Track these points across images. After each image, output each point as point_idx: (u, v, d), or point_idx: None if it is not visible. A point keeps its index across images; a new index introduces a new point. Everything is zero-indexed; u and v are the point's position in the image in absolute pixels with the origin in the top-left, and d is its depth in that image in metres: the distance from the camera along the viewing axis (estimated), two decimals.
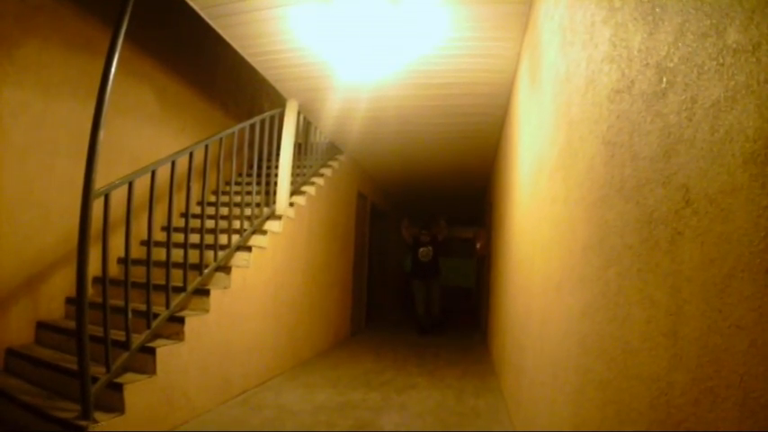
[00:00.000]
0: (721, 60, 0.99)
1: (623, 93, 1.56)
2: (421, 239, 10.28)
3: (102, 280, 3.58)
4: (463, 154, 8.43)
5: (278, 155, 6.16)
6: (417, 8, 4.02)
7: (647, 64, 1.37)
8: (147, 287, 3.97)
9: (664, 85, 1.25)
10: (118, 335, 3.70)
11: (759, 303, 0.82)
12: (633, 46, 1.49)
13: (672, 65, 1.21)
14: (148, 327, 3.95)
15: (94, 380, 3.34)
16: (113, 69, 3.33)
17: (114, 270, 5.07)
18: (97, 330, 3.56)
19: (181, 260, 4.44)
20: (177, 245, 4.42)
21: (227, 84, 7.53)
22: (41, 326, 4.48)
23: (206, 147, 4.77)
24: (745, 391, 0.85)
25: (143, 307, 3.98)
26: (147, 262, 4.01)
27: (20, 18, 4.26)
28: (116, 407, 3.51)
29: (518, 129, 4.64)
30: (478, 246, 9.55)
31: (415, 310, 10.46)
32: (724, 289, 0.95)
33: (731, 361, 0.90)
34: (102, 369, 3.49)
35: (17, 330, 4.34)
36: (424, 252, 10.20)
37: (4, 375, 4.05)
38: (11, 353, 4.18)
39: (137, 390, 3.64)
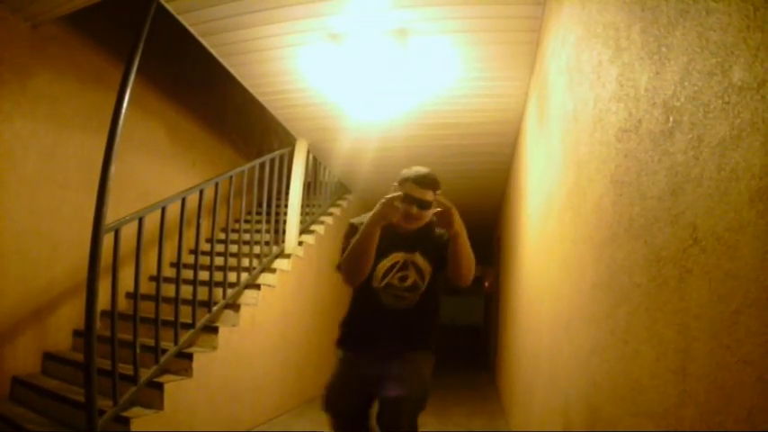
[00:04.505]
0: (727, 99, 1.01)
1: (631, 132, 1.58)
2: (399, 236, 2.74)
3: (110, 314, 3.61)
4: (471, 192, 8.44)
5: (287, 194, 6.22)
6: (426, 49, 4.09)
7: (654, 103, 1.39)
8: (155, 322, 3.98)
9: (671, 124, 1.27)
10: (125, 369, 3.70)
11: (766, 339, 0.83)
12: (640, 85, 1.50)
13: (678, 104, 1.23)
14: (156, 362, 3.95)
15: (101, 412, 3.33)
16: (125, 104, 3.40)
17: (123, 304, 5.06)
18: (105, 363, 3.56)
19: (190, 296, 4.45)
20: (186, 281, 4.43)
21: (237, 121, 7.63)
22: (48, 356, 4.49)
23: (216, 184, 4.82)
24: (752, 425, 0.85)
25: (151, 342, 3.99)
26: (156, 297, 4.04)
27: (33, 48, 4.35)
28: None
29: (526, 167, 4.66)
30: (486, 284, 9.51)
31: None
32: (731, 325, 0.95)
33: (739, 396, 0.91)
34: (110, 402, 3.49)
35: (24, 360, 4.34)
36: (394, 264, 2.77)
37: (10, 404, 4.05)
38: (17, 381, 4.19)
39: (144, 424, 3.62)
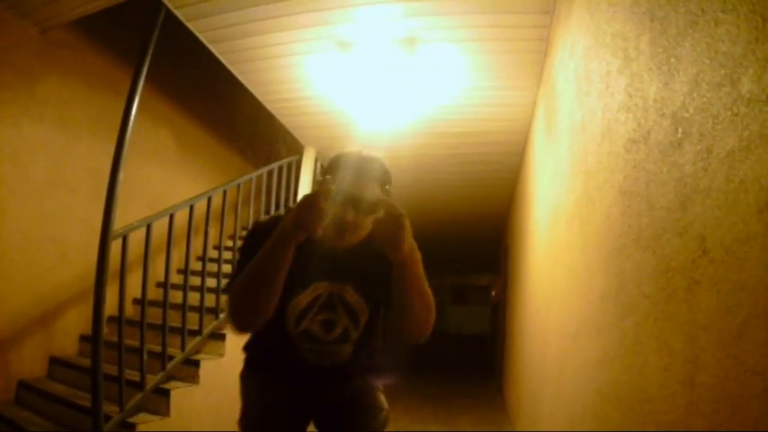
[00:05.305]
0: (736, 110, 1.01)
1: (639, 143, 1.58)
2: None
3: (117, 319, 3.62)
4: (479, 201, 8.43)
5: (295, 201, 6.20)
6: (435, 58, 4.10)
7: (663, 114, 1.38)
8: (162, 329, 3.98)
9: (680, 136, 1.27)
10: (132, 375, 3.71)
11: None
12: (649, 96, 1.50)
13: (687, 115, 1.23)
14: (163, 368, 3.94)
15: (107, 418, 3.34)
16: (134, 110, 3.43)
17: (130, 310, 5.06)
18: (111, 369, 3.56)
19: (197, 303, 4.45)
20: (194, 288, 4.44)
21: (245, 129, 7.65)
22: (54, 361, 4.50)
23: (224, 192, 4.83)
24: None
25: (158, 348, 3.99)
26: (163, 304, 4.04)
27: (41, 53, 4.38)
28: None
29: (534, 177, 4.66)
30: (494, 293, 9.48)
31: None
32: (740, 336, 0.95)
33: (746, 406, 0.91)
34: (116, 408, 3.49)
35: (30, 364, 4.36)
36: (315, 299, 1.74)
37: (16, 407, 4.07)
38: (23, 385, 4.20)
39: (150, 430, 3.62)
